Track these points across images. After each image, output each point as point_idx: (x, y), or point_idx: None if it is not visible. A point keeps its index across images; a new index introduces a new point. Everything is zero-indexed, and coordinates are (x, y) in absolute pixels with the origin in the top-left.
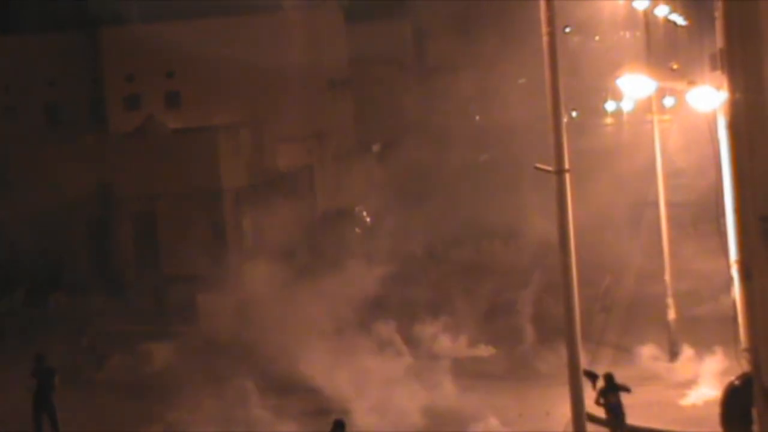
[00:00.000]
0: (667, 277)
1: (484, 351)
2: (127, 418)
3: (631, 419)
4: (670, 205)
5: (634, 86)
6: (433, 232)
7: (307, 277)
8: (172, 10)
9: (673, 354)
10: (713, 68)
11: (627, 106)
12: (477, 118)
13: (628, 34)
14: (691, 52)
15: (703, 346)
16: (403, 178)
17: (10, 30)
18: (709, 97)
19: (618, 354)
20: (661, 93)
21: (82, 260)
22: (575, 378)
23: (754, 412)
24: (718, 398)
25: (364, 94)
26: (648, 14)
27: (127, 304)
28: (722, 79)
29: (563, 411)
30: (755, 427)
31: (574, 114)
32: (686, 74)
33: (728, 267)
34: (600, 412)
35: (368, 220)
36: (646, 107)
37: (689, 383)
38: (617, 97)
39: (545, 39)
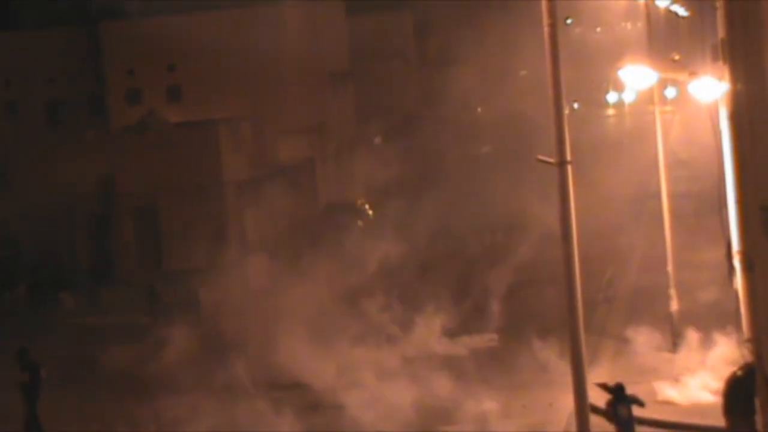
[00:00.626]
0: (670, 268)
1: (488, 341)
2: (118, 415)
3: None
4: (672, 196)
5: (636, 77)
6: (435, 224)
7: (309, 270)
8: (172, 4)
9: (676, 345)
10: (715, 59)
11: (629, 97)
12: (479, 110)
13: (629, 26)
14: (692, 43)
15: (705, 337)
16: (404, 170)
17: (11, 26)
18: (711, 88)
19: (620, 345)
20: (663, 84)
21: (83, 256)
22: (578, 369)
23: (757, 402)
24: (720, 389)
25: (365, 87)
26: (649, 5)
27: (128, 299)
28: (724, 70)
29: (566, 402)
30: (758, 417)
31: (575, 105)
32: (688, 65)
33: (730, 257)
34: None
35: (370, 212)
36: (647, 98)
37: (692, 374)
38: (619, 88)
39: (546, 30)
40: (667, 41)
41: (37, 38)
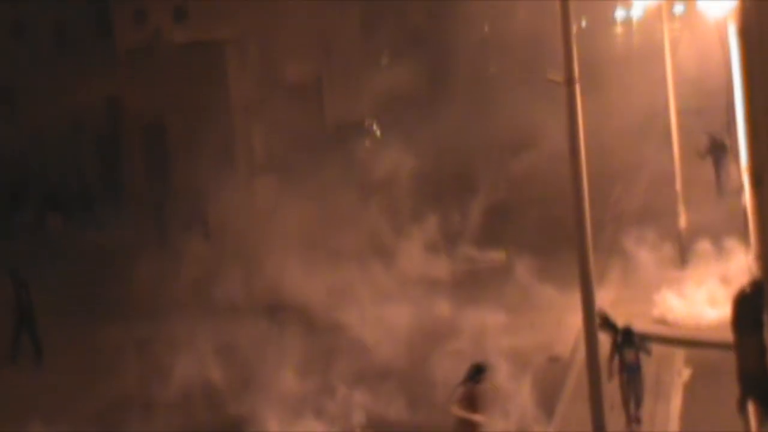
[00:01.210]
0: (678, 185)
1: (496, 258)
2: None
3: (641, 325)
4: (680, 113)
5: None
6: (443, 144)
7: (315, 190)
8: None
9: (684, 261)
10: None
11: (636, 13)
12: (486, 28)
13: None
14: None
15: (713, 254)
16: (412, 89)
17: None
18: (719, 4)
19: (628, 262)
20: (671, 0)
21: (92, 177)
22: (587, 288)
23: (765, 318)
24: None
25: (372, 4)
26: None
27: (136, 219)
28: None
29: (574, 320)
30: (766, 333)
31: (583, 23)
32: None
33: (739, 174)
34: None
35: (378, 133)
36: (655, 16)
37: (700, 290)
38: (627, 4)
39: None
40: None
41: None
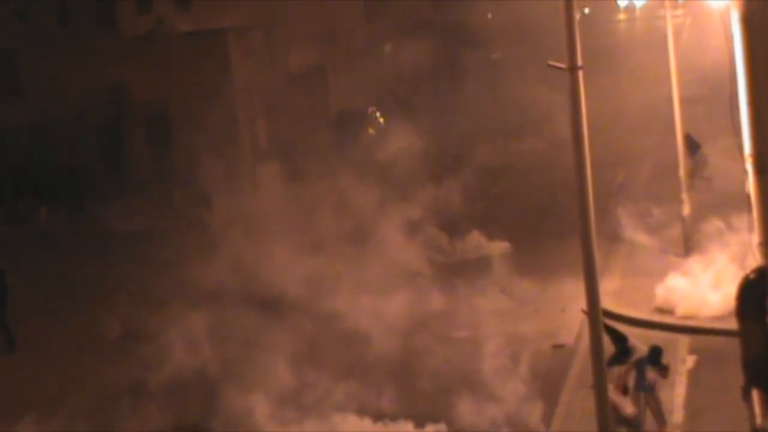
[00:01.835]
0: (682, 172)
1: (499, 247)
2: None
3: (645, 314)
4: (683, 100)
5: None
6: (447, 131)
7: (319, 178)
8: None
9: (688, 248)
10: None
11: (639, 1)
12: (489, 15)
13: None
14: None
15: (717, 241)
16: (415, 77)
17: None
18: None
19: (632, 249)
20: None
21: (95, 164)
22: (590, 274)
23: None
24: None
25: None
26: None
27: (140, 207)
28: None
29: (579, 307)
30: None
31: (586, 11)
32: None
33: (743, 162)
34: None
35: (381, 120)
36: (658, 2)
37: (704, 277)
38: None
39: None
40: None
41: None
